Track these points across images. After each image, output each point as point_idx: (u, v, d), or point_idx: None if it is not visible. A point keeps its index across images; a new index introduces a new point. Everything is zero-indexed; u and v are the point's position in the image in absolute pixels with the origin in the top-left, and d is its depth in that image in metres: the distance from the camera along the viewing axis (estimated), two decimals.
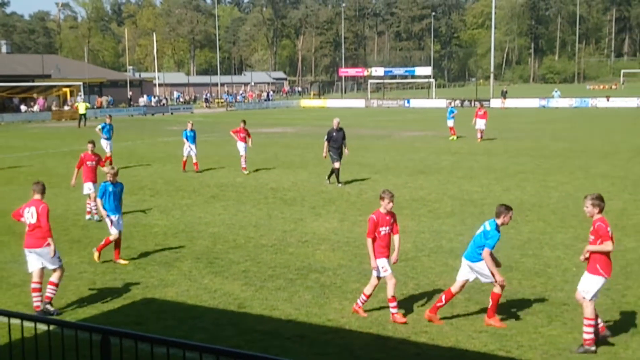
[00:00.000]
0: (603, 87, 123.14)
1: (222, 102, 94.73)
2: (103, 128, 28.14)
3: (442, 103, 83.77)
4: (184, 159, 26.42)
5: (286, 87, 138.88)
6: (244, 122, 26.49)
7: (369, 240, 10.03)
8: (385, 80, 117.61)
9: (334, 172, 22.38)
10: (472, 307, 10.49)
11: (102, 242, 13.40)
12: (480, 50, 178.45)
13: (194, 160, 26.19)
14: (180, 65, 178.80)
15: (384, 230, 10.04)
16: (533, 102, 79.11)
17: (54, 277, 10.54)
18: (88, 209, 17.69)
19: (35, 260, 10.45)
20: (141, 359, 5.65)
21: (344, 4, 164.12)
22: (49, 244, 10.33)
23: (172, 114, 77.50)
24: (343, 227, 16.24)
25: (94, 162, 17.78)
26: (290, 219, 17.24)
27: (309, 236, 15.37)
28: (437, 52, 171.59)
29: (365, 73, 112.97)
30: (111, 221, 13.20)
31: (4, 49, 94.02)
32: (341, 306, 10.64)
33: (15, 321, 6.47)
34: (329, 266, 12.88)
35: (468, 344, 9.11)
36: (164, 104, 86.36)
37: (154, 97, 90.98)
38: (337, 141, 22.24)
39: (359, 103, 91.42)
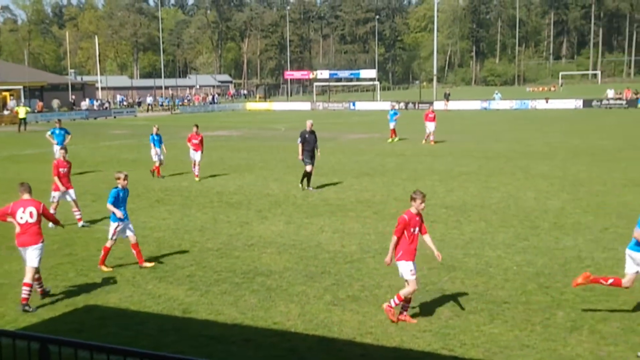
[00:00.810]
0: (542, 89, 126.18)
1: (166, 106, 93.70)
2: (52, 133, 27.27)
3: (386, 105, 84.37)
4: (156, 164, 25.71)
5: (232, 90, 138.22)
6: (197, 126, 26.23)
7: (395, 238, 10.04)
8: (331, 83, 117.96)
9: (306, 175, 21.92)
10: (416, 307, 10.60)
11: (102, 254, 13.13)
12: (424, 53, 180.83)
13: (157, 165, 25.71)
14: (124, 68, 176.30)
15: (414, 230, 10.02)
16: (475, 105, 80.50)
17: (28, 278, 10.89)
18: (79, 216, 17.29)
19: (31, 255, 11.04)
20: None
21: (288, 7, 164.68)
22: (43, 240, 11.21)
23: (115, 117, 76.31)
24: (289, 230, 16.25)
25: (66, 169, 17.31)
26: (236, 223, 17.17)
27: (255, 239, 15.33)
28: (381, 55, 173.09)
29: (311, 76, 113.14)
30: (115, 229, 12.95)
31: None
32: (287, 309, 10.64)
33: None
34: (275, 269, 12.87)
35: (412, 344, 9.21)
36: (106, 108, 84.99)
37: (97, 100, 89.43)
38: (310, 143, 21.79)
39: (305, 106, 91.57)
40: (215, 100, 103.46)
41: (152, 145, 25.80)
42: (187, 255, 14.06)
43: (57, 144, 26.64)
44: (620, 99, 76.16)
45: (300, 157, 22.00)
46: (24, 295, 10.80)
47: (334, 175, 25.43)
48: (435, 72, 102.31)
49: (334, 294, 11.35)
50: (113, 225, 13.03)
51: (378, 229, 16.18)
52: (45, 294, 11.49)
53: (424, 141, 36.82)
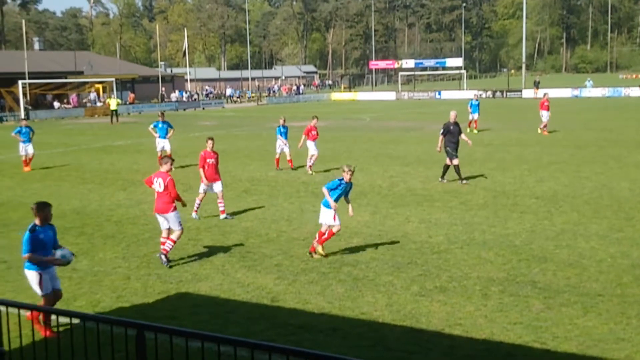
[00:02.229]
0: (636, 77, 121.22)
1: (253, 97, 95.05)
2: (155, 126, 26.95)
3: (473, 94, 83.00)
4: (277, 156, 25.29)
5: (317, 81, 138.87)
6: (316, 118, 25.56)
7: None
8: (416, 72, 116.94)
9: (450, 168, 20.88)
10: (506, 299, 10.41)
11: (325, 236, 13.14)
12: (512, 41, 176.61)
13: (288, 158, 25.09)
14: (211, 60, 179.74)
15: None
16: (565, 92, 78.08)
17: (174, 235, 12.81)
18: (222, 208, 17.11)
19: (163, 222, 12.89)
20: (176, 353, 5.72)
21: None
22: (174, 209, 12.75)
23: (203, 109, 77.95)
24: (375, 220, 16.22)
25: (214, 159, 17.00)
26: None
27: (341, 230, 15.34)
28: (468, 43, 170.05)
29: (396, 65, 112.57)
30: (334, 215, 13.04)
31: (36, 46, 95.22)
32: (374, 299, 10.64)
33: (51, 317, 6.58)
34: (362, 259, 12.88)
35: (502, 336, 9.05)
36: (195, 99, 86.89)
37: (186, 92, 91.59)
38: (454, 135, 20.89)
39: (390, 95, 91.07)
40: (301, 91, 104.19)
41: (278, 136, 25.09)
42: (275, 244, 14.25)
43: (160, 137, 26.75)
44: None
45: (438, 148, 21.16)
46: (166, 247, 12.76)
47: (419, 165, 25.23)
48: (524, 59, 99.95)
49: (421, 284, 11.27)
50: (330, 214, 13.05)
51: (465, 219, 15.95)
52: (166, 260, 12.77)
53: (539, 130, 35.35)
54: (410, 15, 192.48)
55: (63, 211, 18.13)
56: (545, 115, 35.10)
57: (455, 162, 20.71)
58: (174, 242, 12.89)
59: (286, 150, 24.99)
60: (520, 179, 21.33)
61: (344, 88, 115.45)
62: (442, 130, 21.18)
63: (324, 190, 13.14)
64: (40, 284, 9.24)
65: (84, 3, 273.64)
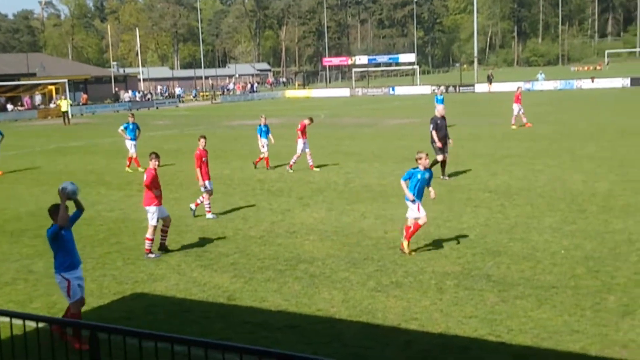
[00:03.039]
0: (587, 69, 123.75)
1: (206, 96, 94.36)
2: (126, 128, 26.29)
3: (427, 89, 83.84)
4: (264, 156, 24.63)
5: (270, 78, 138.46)
6: (311, 120, 24.77)
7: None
8: (370, 69, 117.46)
9: (440, 163, 20.62)
10: (461, 292, 10.49)
11: (412, 229, 12.81)
12: (464, 35, 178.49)
13: (266, 155, 24.60)
14: (164, 59, 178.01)
15: None
16: (518, 86, 79.13)
17: (148, 232, 13.29)
18: (208, 208, 16.91)
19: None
20: (130, 354, 5.61)
21: None
22: (152, 204, 13.23)
23: (157, 108, 77.11)
24: (331, 217, 16.22)
25: (206, 158, 16.86)
26: (278, 210, 17.20)
27: (297, 227, 15.34)
28: (420, 39, 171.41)
29: (349, 62, 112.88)
30: (418, 206, 12.75)
31: None
32: (331, 296, 10.62)
33: (4, 319, 6.43)
34: (318, 256, 12.86)
35: (458, 330, 9.11)
36: (149, 99, 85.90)
37: (139, 92, 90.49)
38: (442, 130, 20.72)
39: (344, 92, 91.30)
40: (255, 89, 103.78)
41: (258, 136, 24.62)
42: (231, 243, 14.14)
43: (131, 139, 25.91)
44: None
45: (438, 144, 20.63)
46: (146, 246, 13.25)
47: (374, 161, 25.30)
48: (476, 54, 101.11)
49: (377, 280, 11.29)
50: (414, 207, 12.74)
51: None
52: (163, 247, 13.50)
53: (514, 125, 35.19)
54: (363, 12, 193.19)
55: (19, 213, 18.10)
56: (516, 108, 35.49)
57: (440, 158, 20.60)
58: (149, 239, 13.25)
59: (264, 150, 24.46)
60: (475, 173, 21.55)
61: (298, 85, 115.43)
62: (432, 126, 20.87)
63: (401, 182, 12.86)
64: (69, 290, 8.95)
65: (36, 5, 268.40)
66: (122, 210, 17.92)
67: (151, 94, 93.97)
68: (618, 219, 14.65)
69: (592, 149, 25.60)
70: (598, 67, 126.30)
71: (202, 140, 16.86)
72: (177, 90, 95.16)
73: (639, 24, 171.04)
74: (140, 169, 25.03)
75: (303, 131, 23.84)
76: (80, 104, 73.63)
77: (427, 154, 12.97)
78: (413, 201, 12.66)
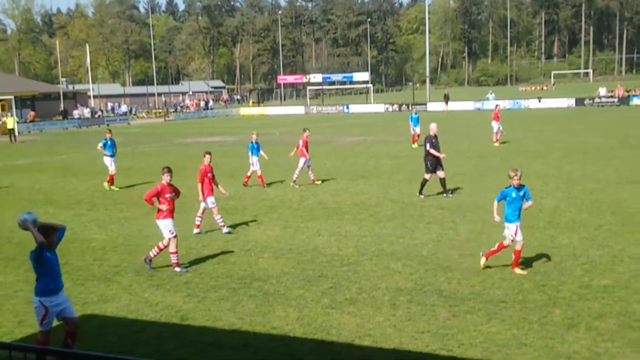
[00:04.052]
0: (535, 89, 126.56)
1: (159, 113, 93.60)
2: (105, 144, 25.58)
3: (380, 108, 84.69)
4: (252, 173, 24.24)
5: (225, 96, 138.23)
6: (307, 130, 24.60)
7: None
8: (324, 87, 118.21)
9: (444, 181, 20.53)
10: (414, 308, 10.64)
11: (496, 249, 12.60)
12: (416, 55, 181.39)
13: (258, 174, 24.20)
14: (116, 76, 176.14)
15: None
16: (468, 105, 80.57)
17: (161, 242, 13.49)
18: (222, 222, 16.76)
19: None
20: None
21: (280, 11, 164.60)
22: (162, 217, 13.40)
23: (108, 125, 76.18)
24: (285, 235, 16.25)
25: (211, 174, 16.81)
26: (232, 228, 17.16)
27: (251, 245, 15.33)
28: (374, 58, 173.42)
29: (304, 80, 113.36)
30: (516, 229, 12.34)
31: None
32: (285, 313, 10.65)
33: None
34: (272, 274, 12.88)
35: (411, 345, 9.23)
36: (99, 116, 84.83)
37: (89, 109, 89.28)
38: (436, 149, 20.49)
39: (299, 110, 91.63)
40: (209, 106, 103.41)
41: (250, 153, 24.15)
42: (183, 261, 14.05)
43: (110, 155, 25.34)
44: (612, 96, 76.46)
45: (442, 155, 20.45)
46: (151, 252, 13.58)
47: (329, 178, 25.44)
48: (427, 73, 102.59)
49: (331, 297, 11.36)
50: (512, 228, 12.39)
51: (374, 231, 16.20)
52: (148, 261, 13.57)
53: (496, 142, 35.70)
54: (317, 30, 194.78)
55: None
56: (495, 125, 36.06)
57: (427, 177, 20.48)
58: (175, 252, 13.35)
59: (257, 167, 24.09)
60: (427, 191, 21.81)
61: (253, 103, 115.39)
62: (428, 145, 20.48)
63: (494, 203, 12.73)
64: (44, 318, 8.59)
65: None
66: (71, 230, 17.58)
67: (101, 110, 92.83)
68: (563, 234, 15.04)
69: (539, 167, 26.20)
70: (545, 88, 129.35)
71: (208, 156, 16.89)
72: (123, 108, 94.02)
73: (583, 47, 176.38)
74: (113, 188, 24.77)
75: (306, 146, 23.95)
76: (28, 121, 72.25)
77: (520, 172, 12.52)
78: (511, 223, 12.34)
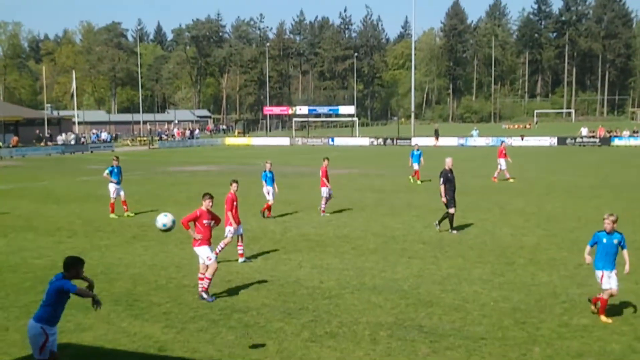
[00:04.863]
0: (518, 127, 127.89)
1: (144, 141, 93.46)
2: (111, 172, 25.16)
3: (365, 141, 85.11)
4: (269, 202, 23.82)
5: (211, 125, 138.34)
6: (327, 159, 25.26)
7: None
8: (310, 119, 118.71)
9: (448, 217, 20.39)
10: (394, 343, 10.59)
11: (600, 305, 11.67)
12: (402, 90, 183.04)
13: (271, 202, 23.89)
14: (101, 103, 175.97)
15: None
16: (452, 141, 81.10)
17: (208, 272, 13.26)
18: (241, 252, 16.80)
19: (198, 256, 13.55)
20: None
21: (268, 44, 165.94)
22: (199, 244, 13.31)
23: (92, 152, 75.98)
24: (267, 266, 16.19)
25: (236, 202, 16.92)
26: None
27: (232, 275, 15.25)
28: (360, 92, 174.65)
29: (290, 111, 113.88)
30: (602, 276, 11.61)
31: None
32: (264, 346, 10.56)
33: None
34: (253, 305, 12.80)
35: None
36: (83, 143, 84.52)
37: (74, 135, 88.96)
38: (451, 183, 20.33)
39: (284, 141, 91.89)
40: (195, 135, 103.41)
41: (264, 182, 23.87)
42: (163, 291, 13.94)
43: (117, 183, 24.97)
44: (593, 136, 77.33)
45: (444, 199, 20.26)
46: (203, 284, 13.30)
47: (312, 210, 25.44)
48: (413, 108, 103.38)
49: (312, 330, 11.30)
50: (599, 275, 11.69)
51: (356, 264, 16.18)
52: (207, 296, 13.29)
53: (495, 179, 35.84)
54: (304, 63, 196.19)
55: None
56: (503, 163, 36.15)
57: (452, 211, 20.30)
58: (209, 278, 13.25)
59: (270, 197, 23.77)
60: (409, 225, 21.90)
61: (238, 133, 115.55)
62: (441, 180, 20.38)
63: (587, 247, 11.95)
64: (43, 346, 8.40)
65: None
66: (50, 258, 17.44)
67: (85, 137, 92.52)
68: (544, 271, 15.10)
69: (520, 204, 26.36)
70: (528, 126, 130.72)
71: (235, 184, 17.00)
72: (104, 135, 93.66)
73: (565, 87, 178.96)
74: (128, 213, 24.59)
75: (326, 176, 24.19)
76: (10, 146, 71.91)
77: (614, 217, 11.60)
78: (605, 270, 11.55)
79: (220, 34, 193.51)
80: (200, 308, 12.67)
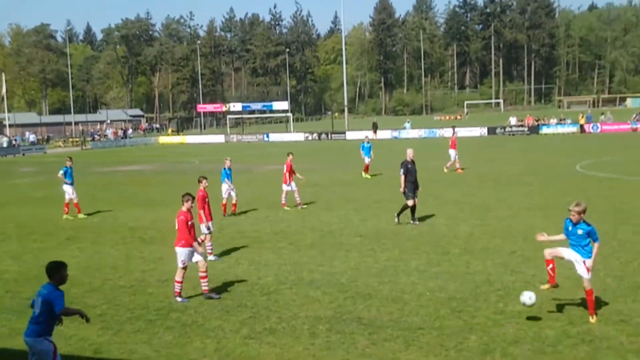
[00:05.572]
0: (449, 118, 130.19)
1: (76, 141, 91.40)
2: (66, 172, 24.74)
3: (300, 137, 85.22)
4: (224, 202, 23.59)
5: (144, 124, 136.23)
6: (291, 154, 25.70)
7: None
8: (244, 115, 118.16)
9: (408, 208, 20.32)
10: (333, 336, 10.66)
11: (588, 299, 11.13)
12: (334, 85, 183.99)
13: (233, 201, 23.66)
14: (32, 104, 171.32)
15: None
16: (386, 134, 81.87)
17: (200, 270, 13.21)
18: (210, 250, 16.61)
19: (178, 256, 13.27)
20: None
21: (199, 41, 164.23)
22: (183, 245, 13.08)
23: (23, 155, 73.94)
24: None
25: (207, 199, 16.71)
26: (150, 259, 16.87)
27: (169, 275, 15.03)
28: (293, 87, 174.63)
29: (224, 109, 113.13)
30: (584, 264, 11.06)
31: None
32: (203, 345, 10.50)
33: None
34: (190, 304, 12.69)
35: None
36: (14, 145, 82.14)
37: (6, 138, 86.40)
38: (412, 174, 20.35)
39: (219, 138, 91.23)
40: (128, 135, 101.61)
41: (225, 180, 23.29)
42: (99, 293, 13.70)
43: (70, 183, 24.60)
44: (522, 125, 79.22)
45: (402, 189, 20.37)
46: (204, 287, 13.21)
47: (249, 206, 25.35)
48: (346, 103, 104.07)
49: (250, 327, 11.28)
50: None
51: (294, 259, 16.21)
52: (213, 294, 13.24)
53: (457, 170, 36.15)
54: (236, 60, 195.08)
55: None
56: (453, 153, 36.52)
57: (411, 202, 20.32)
58: (204, 276, 13.14)
59: (233, 194, 23.48)
60: (346, 218, 22.05)
61: (172, 131, 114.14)
62: (402, 170, 20.43)
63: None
64: (55, 355, 8.10)
65: None
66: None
67: (16, 140, 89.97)
68: (478, 260, 15.43)
69: (454, 194, 26.86)
70: (458, 117, 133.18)
71: (204, 181, 16.76)
72: (31, 137, 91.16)
73: (493, 77, 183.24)
74: (81, 215, 24.01)
75: (290, 171, 24.32)
76: None
77: (580, 207, 10.97)
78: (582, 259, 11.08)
79: (151, 32, 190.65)
80: (137, 309, 12.50)
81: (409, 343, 10.28)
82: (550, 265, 11.22)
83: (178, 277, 13.04)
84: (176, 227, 13.21)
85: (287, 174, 24.63)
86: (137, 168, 48.11)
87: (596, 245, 11.06)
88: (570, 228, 11.09)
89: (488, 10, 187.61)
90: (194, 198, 13.61)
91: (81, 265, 16.37)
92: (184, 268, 13.05)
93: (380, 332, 10.79)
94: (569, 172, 33.98)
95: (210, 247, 16.70)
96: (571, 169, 35.39)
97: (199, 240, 15.47)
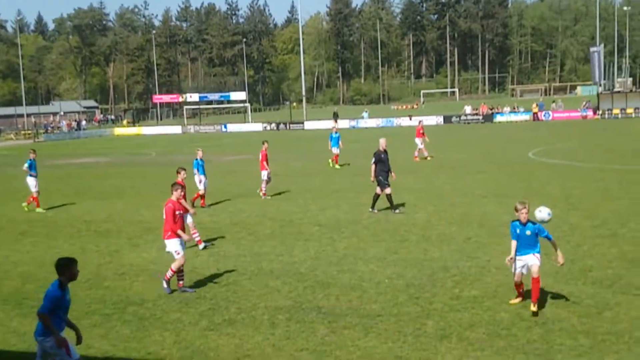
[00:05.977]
0: (406, 107, 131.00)
1: (28, 134, 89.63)
2: (30, 165, 24.54)
3: (258, 127, 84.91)
4: (200, 192, 23.17)
5: (98, 116, 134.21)
6: (266, 142, 25.71)
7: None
8: (201, 106, 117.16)
9: (378, 197, 20.57)
10: (293, 326, 10.69)
11: (533, 288, 10.89)
12: (292, 75, 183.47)
13: (200, 193, 23.32)
14: None
15: None
16: (344, 123, 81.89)
17: (174, 264, 12.88)
18: (199, 238, 16.71)
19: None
20: None
21: (154, 31, 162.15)
22: (170, 237, 12.85)
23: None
24: (162, 256, 15.84)
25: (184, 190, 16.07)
26: (106, 252, 16.66)
27: (126, 268, 14.93)
28: (251, 77, 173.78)
29: (180, 99, 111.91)
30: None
31: None
32: (162, 338, 10.43)
33: None
34: (148, 297, 12.59)
35: None
36: None
37: None
38: (385, 163, 20.56)
39: (176, 129, 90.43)
40: (82, 127, 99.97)
41: (195, 171, 22.96)
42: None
43: (35, 176, 24.41)
44: (477, 114, 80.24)
45: (372, 178, 20.66)
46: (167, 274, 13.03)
47: (207, 198, 25.14)
48: (304, 92, 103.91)
49: (209, 318, 11.24)
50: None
51: (253, 249, 16.19)
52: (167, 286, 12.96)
53: (417, 158, 36.43)
54: (193, 50, 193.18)
55: None
56: (419, 142, 36.70)
57: (388, 190, 20.40)
58: (173, 271, 12.83)
59: (201, 186, 23.07)
60: (305, 208, 22.08)
61: (128, 123, 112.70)
62: (373, 159, 20.72)
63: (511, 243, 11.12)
64: (68, 350, 7.85)
65: None
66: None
67: None
68: (435, 247, 15.62)
69: (411, 182, 27.09)
70: (415, 106, 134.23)
71: (183, 172, 16.81)
72: None
73: (448, 67, 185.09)
74: (39, 210, 23.57)
75: (266, 159, 24.48)
76: None
77: (527, 206, 10.86)
78: (519, 262, 11.02)
79: (104, 22, 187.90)
80: (93, 303, 12.34)
81: (368, 330, 10.36)
82: (521, 289, 11.35)
83: (174, 267, 12.88)
84: (164, 217, 12.97)
85: (266, 163, 24.72)
86: (91, 160, 47.43)
87: (553, 241, 11.02)
88: (519, 231, 10.89)
89: (443, 0, 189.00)
90: (183, 187, 13.47)
91: (36, 260, 16.10)
92: (182, 257, 12.89)
93: (339, 320, 10.85)
94: (521, 159, 34.56)
95: (197, 235, 16.69)
96: (524, 156, 36.00)
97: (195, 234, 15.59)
